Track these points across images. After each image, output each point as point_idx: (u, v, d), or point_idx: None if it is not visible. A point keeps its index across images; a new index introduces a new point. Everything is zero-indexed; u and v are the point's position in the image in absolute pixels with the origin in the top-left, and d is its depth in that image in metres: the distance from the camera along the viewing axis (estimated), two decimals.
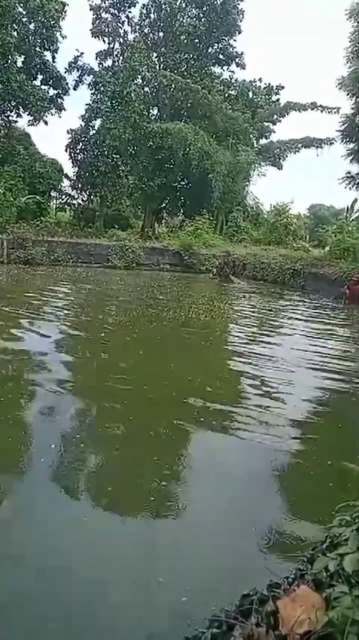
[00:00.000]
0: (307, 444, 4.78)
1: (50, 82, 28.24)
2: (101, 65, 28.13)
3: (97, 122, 27.79)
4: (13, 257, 20.42)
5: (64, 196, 30.22)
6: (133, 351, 8.16)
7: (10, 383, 5.86)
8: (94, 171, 27.62)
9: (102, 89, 26.87)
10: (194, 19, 31.73)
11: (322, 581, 1.54)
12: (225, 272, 21.51)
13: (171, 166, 29.72)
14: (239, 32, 32.32)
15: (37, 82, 27.75)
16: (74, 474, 3.84)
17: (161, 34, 32.27)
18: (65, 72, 28.09)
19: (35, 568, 2.75)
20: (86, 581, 2.71)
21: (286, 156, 33.11)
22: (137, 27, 31.33)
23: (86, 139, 27.88)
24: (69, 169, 29.26)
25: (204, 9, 31.36)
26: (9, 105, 26.76)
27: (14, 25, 25.04)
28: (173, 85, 30.48)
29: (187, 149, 28.01)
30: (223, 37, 32.58)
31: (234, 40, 32.82)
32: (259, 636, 1.30)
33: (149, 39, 32.13)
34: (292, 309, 14.89)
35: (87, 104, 27.74)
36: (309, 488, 3.94)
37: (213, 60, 34.18)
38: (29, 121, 27.83)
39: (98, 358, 7.49)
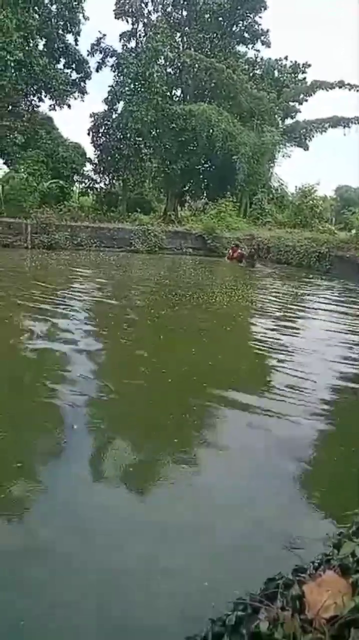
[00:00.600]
0: (330, 433, 4.73)
1: (72, 65, 28.09)
2: (124, 47, 27.83)
3: (120, 105, 27.60)
4: (37, 242, 20.62)
5: (86, 180, 30.25)
6: (154, 335, 8.18)
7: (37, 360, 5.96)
8: (116, 155, 27.55)
9: (124, 70, 26.61)
10: None
11: (348, 567, 1.52)
12: (252, 259, 21.18)
13: (194, 148, 29.36)
14: (265, 9, 31.33)
15: (60, 66, 27.63)
16: (95, 454, 3.89)
17: (184, 12, 31.57)
18: (87, 55, 27.91)
19: None
20: None
21: (312, 136, 32.20)
22: (160, 6, 30.78)
23: (109, 123, 27.75)
24: (90, 152, 29.29)
25: None
26: (32, 89, 26.76)
27: (36, 7, 24.90)
28: (197, 65, 29.91)
29: (211, 130, 27.56)
30: (248, 15, 31.66)
31: (260, 17, 31.87)
32: (285, 620, 1.29)
33: (172, 18, 31.49)
34: (317, 294, 14.65)
35: (109, 86, 27.58)
36: (332, 474, 3.89)
37: (238, 39, 33.32)
38: (51, 105, 27.86)
39: (118, 342, 7.52)
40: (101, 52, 27.86)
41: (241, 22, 32.17)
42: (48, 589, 2.47)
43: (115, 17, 27.58)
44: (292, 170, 70.88)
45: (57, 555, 2.71)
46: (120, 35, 27.87)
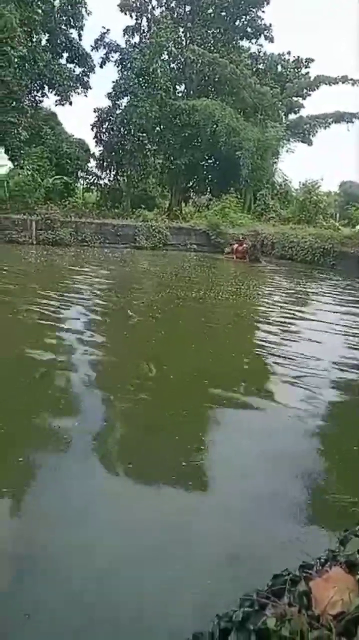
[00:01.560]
0: (332, 433, 4.72)
1: (76, 60, 28.06)
2: (128, 42, 27.81)
3: (124, 101, 27.55)
4: (42, 238, 20.66)
5: (90, 176, 30.24)
6: (155, 331, 8.19)
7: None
8: (120, 150, 27.53)
9: (128, 65, 26.56)
10: None
11: (355, 563, 1.52)
12: (255, 252, 21.08)
13: (198, 144, 29.30)
14: (268, 3, 31.19)
15: (63, 61, 27.61)
16: (100, 450, 3.90)
17: (187, 8, 31.48)
18: (91, 50, 27.94)
19: None
20: None
21: (316, 132, 32.01)
22: (164, 1, 30.70)
23: (113, 118, 27.72)
24: (93, 148, 29.29)
25: None
26: (35, 84, 26.73)
27: (39, 2, 24.83)
28: (200, 60, 29.79)
29: (215, 125, 27.50)
30: (251, 9, 31.52)
31: (263, 11, 31.71)
32: (292, 616, 1.29)
33: (176, 13, 31.42)
34: (322, 291, 14.58)
35: (113, 82, 27.54)
36: (334, 474, 3.89)
37: (241, 34, 33.16)
38: (55, 101, 27.84)
39: (121, 339, 7.53)
40: (104, 47, 27.85)
41: (243, 16, 32.04)
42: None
43: (120, 11, 27.56)
44: (296, 165, 70.40)
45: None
46: (124, 30, 27.93)
